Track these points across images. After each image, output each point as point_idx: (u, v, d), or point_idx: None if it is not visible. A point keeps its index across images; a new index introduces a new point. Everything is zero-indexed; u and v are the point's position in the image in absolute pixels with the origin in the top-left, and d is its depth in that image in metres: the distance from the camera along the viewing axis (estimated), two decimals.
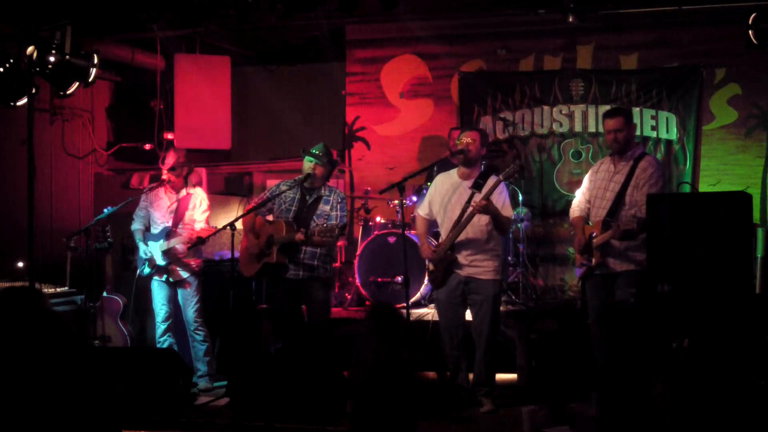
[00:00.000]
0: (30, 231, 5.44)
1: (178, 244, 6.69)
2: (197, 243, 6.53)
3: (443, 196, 6.13)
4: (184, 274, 6.79)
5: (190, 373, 6.47)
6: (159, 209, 6.85)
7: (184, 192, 6.85)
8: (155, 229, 6.84)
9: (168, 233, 6.74)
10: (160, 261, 6.75)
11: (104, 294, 7.15)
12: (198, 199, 6.85)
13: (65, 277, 6.99)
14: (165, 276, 6.79)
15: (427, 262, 6.24)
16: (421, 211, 6.32)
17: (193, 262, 6.84)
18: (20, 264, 6.79)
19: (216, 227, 6.57)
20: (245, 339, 7.20)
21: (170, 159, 6.80)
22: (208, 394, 6.61)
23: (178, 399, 6.07)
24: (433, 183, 6.33)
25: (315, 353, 6.13)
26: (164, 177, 6.81)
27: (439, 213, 6.15)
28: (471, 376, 6.16)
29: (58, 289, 6.86)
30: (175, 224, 6.76)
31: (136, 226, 6.92)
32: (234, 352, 6.98)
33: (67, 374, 2.26)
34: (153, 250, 6.78)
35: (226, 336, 7.19)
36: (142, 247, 6.82)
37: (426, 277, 6.90)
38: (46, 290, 6.56)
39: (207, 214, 6.85)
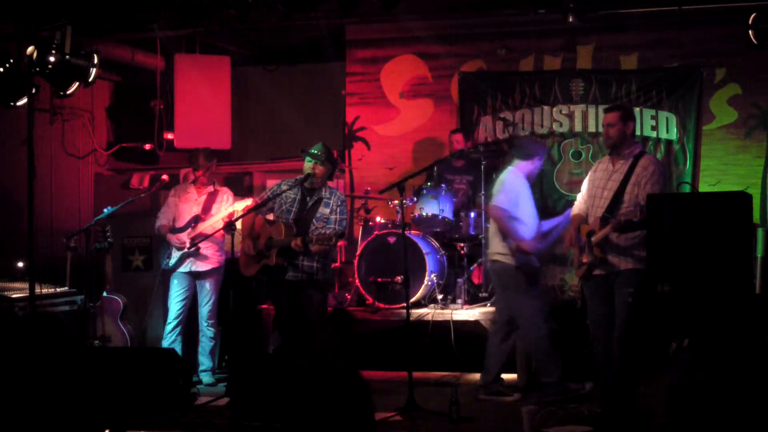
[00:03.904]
0: (30, 231, 5.43)
1: (207, 227, 6.89)
2: (235, 219, 6.53)
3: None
4: (211, 262, 7.00)
5: (190, 372, 6.49)
6: (188, 202, 7.12)
7: (212, 188, 7.17)
8: (182, 222, 7.05)
9: (197, 220, 6.99)
10: (189, 248, 6.95)
11: (104, 294, 7.16)
12: (225, 195, 7.18)
13: (65, 277, 6.98)
14: (189, 266, 6.97)
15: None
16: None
17: (216, 258, 7.06)
18: (20, 264, 6.78)
19: (249, 206, 6.71)
20: (245, 339, 7.22)
21: (204, 161, 7.11)
22: (208, 393, 6.61)
23: (178, 399, 6.07)
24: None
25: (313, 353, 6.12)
26: (199, 176, 7.08)
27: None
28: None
29: (58, 289, 6.85)
30: (204, 212, 7.03)
31: (161, 222, 7.11)
32: (234, 352, 6.99)
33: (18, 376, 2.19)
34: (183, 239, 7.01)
35: (227, 336, 7.21)
36: (172, 238, 6.99)
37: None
38: (46, 290, 6.56)
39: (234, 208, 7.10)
